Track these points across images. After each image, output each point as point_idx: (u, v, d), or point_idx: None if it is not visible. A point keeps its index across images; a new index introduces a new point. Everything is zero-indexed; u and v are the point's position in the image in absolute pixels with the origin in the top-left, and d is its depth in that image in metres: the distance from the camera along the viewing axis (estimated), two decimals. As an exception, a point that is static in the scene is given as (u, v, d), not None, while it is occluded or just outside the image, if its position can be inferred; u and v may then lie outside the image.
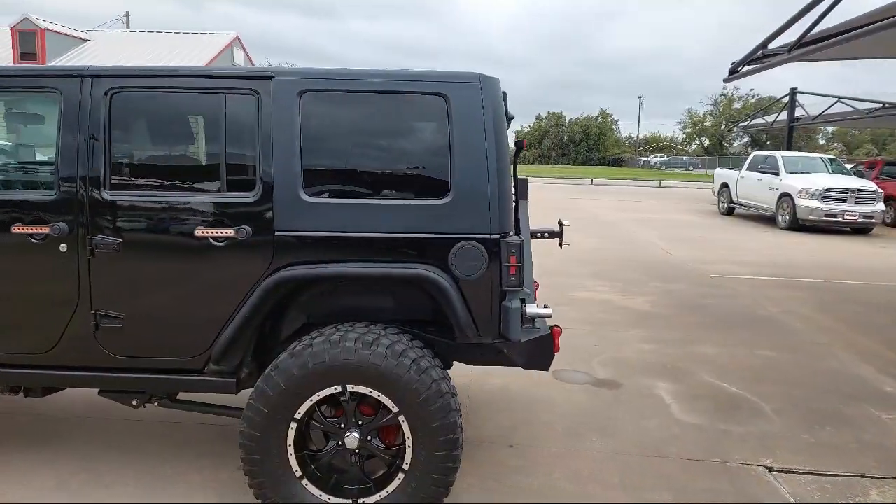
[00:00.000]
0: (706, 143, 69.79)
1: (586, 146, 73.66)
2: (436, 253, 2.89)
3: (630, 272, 9.54)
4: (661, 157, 71.55)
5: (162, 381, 3.05)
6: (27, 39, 21.09)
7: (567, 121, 76.45)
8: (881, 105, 16.70)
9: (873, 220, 15.26)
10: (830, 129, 56.06)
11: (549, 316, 3.06)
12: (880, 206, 15.37)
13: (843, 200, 15.15)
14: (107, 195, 2.92)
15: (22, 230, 2.93)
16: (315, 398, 2.81)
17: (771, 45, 8.68)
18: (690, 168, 61.07)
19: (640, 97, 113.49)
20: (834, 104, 18.84)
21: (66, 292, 2.97)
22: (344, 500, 2.86)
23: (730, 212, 18.99)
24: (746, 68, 9.64)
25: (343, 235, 2.91)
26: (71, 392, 3.87)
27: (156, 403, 3.23)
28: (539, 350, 3.06)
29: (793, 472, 3.61)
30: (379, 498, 2.86)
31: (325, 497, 2.86)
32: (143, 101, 2.99)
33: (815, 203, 15.12)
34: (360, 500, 2.86)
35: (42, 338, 3.02)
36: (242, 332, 2.93)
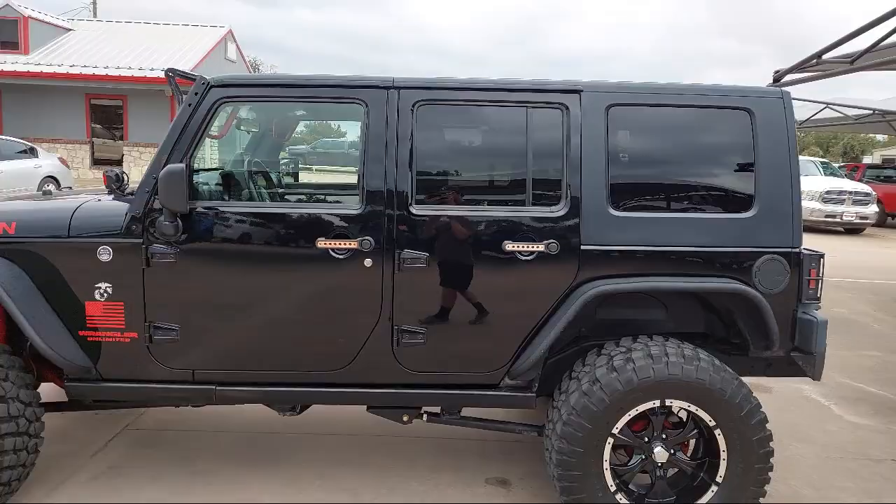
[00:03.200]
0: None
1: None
2: (740, 267, 2.93)
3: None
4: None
5: (459, 397, 2.99)
6: (8, 28, 19.49)
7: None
8: (871, 112, 17.44)
9: (868, 221, 16.02)
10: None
11: None
12: (874, 208, 16.14)
13: (842, 202, 15.85)
14: (414, 209, 2.86)
15: (326, 245, 2.83)
16: (633, 412, 2.82)
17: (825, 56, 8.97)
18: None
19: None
20: (822, 110, 19.55)
21: (367, 308, 2.88)
22: (657, 515, 2.88)
23: (724, 212, 19.54)
24: (791, 76, 9.94)
25: (647, 249, 2.92)
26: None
27: (424, 418, 3.16)
28: (820, 360, 3.13)
29: None
30: (693, 510, 2.88)
31: (639, 511, 2.87)
32: (449, 113, 2.93)
33: (816, 204, 15.76)
34: (673, 513, 2.88)
35: (338, 355, 2.92)
36: (553, 345, 2.90)
